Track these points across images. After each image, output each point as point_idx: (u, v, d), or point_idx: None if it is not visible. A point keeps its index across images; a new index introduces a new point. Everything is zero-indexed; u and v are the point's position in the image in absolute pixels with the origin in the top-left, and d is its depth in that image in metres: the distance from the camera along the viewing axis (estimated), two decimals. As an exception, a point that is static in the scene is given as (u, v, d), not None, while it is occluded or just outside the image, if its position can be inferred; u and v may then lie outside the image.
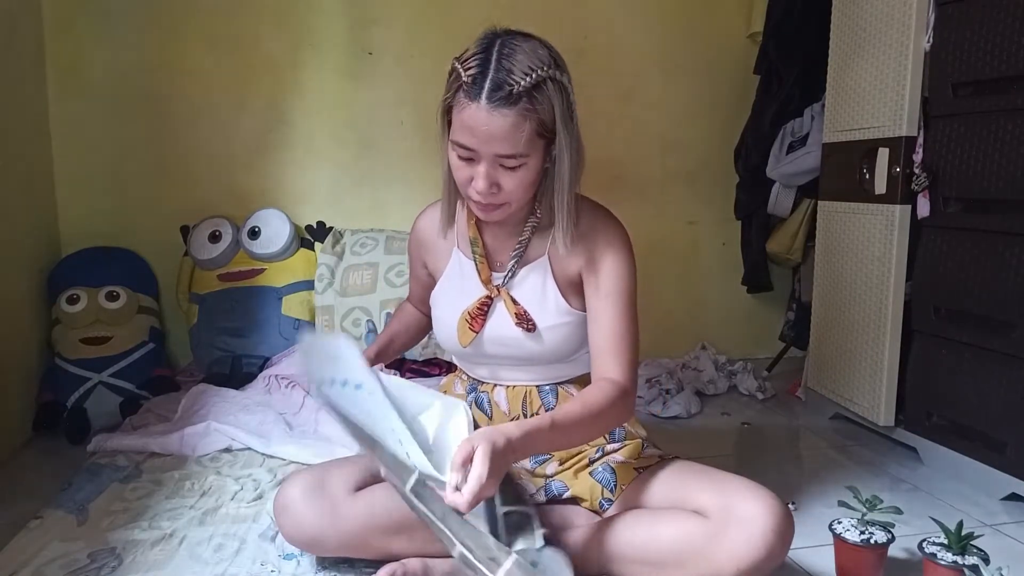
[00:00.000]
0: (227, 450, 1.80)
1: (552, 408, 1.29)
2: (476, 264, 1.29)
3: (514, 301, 1.26)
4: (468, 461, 0.96)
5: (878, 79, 1.88)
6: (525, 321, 1.24)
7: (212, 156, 2.43)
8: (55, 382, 1.99)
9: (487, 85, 1.07)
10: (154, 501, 1.54)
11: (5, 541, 1.36)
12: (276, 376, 2.14)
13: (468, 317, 1.27)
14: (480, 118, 1.07)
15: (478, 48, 1.11)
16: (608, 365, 1.20)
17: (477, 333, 1.27)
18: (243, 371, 2.22)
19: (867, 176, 1.92)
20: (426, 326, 1.49)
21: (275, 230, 2.35)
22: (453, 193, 1.24)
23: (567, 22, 2.57)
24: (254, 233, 2.34)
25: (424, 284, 1.42)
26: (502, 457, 0.98)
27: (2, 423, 1.81)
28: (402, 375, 2.22)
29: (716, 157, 2.73)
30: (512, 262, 1.27)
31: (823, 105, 2.15)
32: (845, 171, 2.00)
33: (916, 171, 1.78)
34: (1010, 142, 1.58)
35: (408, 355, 2.29)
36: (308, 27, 2.43)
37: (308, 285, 2.37)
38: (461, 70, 1.10)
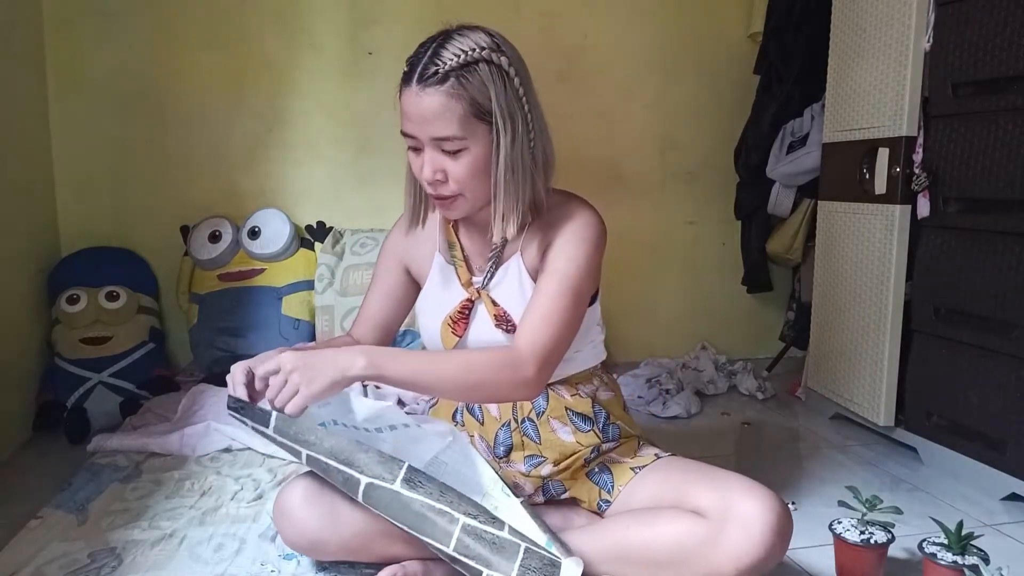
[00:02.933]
0: (227, 450, 1.80)
1: (543, 411, 1.28)
2: (455, 268, 1.28)
3: (494, 303, 1.25)
4: None
5: (878, 79, 1.87)
6: (505, 322, 1.23)
7: (212, 156, 2.43)
8: (55, 382, 1.99)
9: (418, 69, 1.10)
10: (154, 501, 1.54)
11: (5, 541, 1.36)
12: (276, 376, 2.14)
13: (450, 322, 1.26)
14: (411, 101, 1.10)
15: (425, 41, 1.14)
16: (519, 338, 1.14)
17: (460, 337, 1.26)
18: (243, 371, 2.22)
19: (867, 176, 1.92)
20: None
21: (275, 230, 2.35)
22: (415, 187, 1.24)
23: (567, 22, 2.57)
24: (254, 233, 2.34)
25: (392, 295, 1.36)
26: (315, 355, 1.03)
27: (2, 423, 1.81)
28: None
29: (716, 157, 2.73)
30: (490, 263, 1.26)
31: (823, 105, 2.15)
32: (845, 171, 2.00)
33: (916, 171, 1.78)
34: (1010, 142, 1.58)
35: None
36: (308, 27, 2.43)
37: (308, 285, 2.37)
38: (405, 63, 1.13)
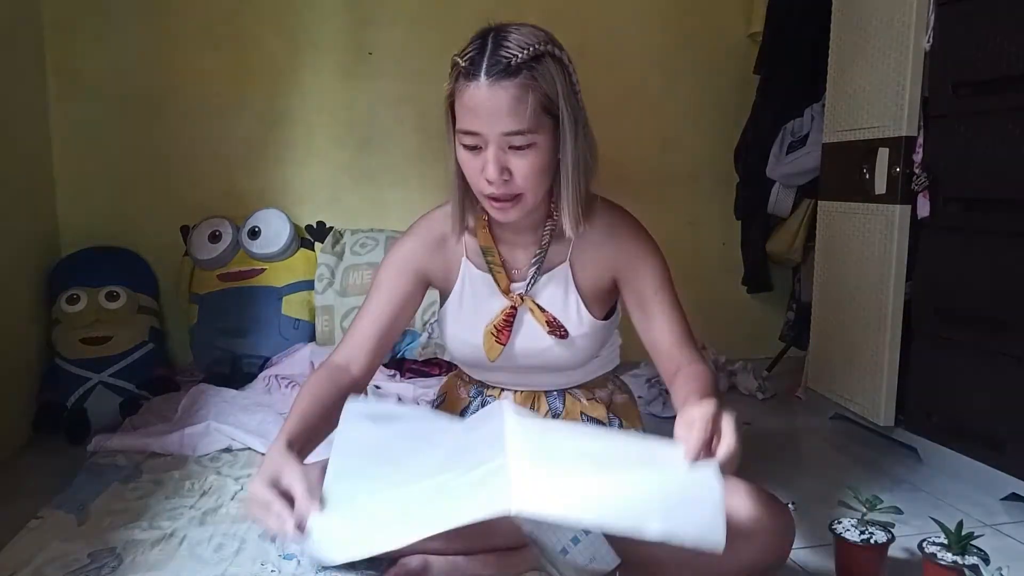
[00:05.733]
0: (227, 450, 1.80)
1: (560, 413, 1.28)
2: (493, 274, 1.23)
3: (541, 309, 1.21)
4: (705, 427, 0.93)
5: (878, 79, 1.87)
6: (557, 329, 1.20)
7: (212, 156, 2.43)
8: (55, 382, 1.99)
9: (485, 62, 1.05)
10: (154, 501, 1.54)
11: (5, 541, 1.36)
12: (276, 376, 2.14)
13: (494, 330, 1.21)
14: (482, 95, 1.05)
15: (475, 37, 1.11)
16: (687, 355, 1.18)
17: (504, 346, 1.22)
18: (243, 371, 2.22)
19: (867, 176, 1.92)
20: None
21: (275, 230, 2.35)
22: (463, 192, 1.17)
23: (567, 22, 2.54)
24: (254, 233, 2.34)
25: (403, 308, 1.25)
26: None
27: (2, 423, 1.81)
28: (402, 376, 2.22)
29: (716, 157, 2.73)
30: (533, 269, 1.21)
31: (823, 105, 2.14)
32: (845, 171, 2.00)
33: (916, 171, 1.78)
34: (1010, 142, 1.58)
35: (408, 355, 2.29)
36: (308, 27, 2.43)
37: (308, 285, 2.37)
38: (459, 59, 1.09)
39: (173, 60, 2.37)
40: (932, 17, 1.75)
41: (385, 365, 2.25)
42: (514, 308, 1.22)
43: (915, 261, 1.83)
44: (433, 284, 1.30)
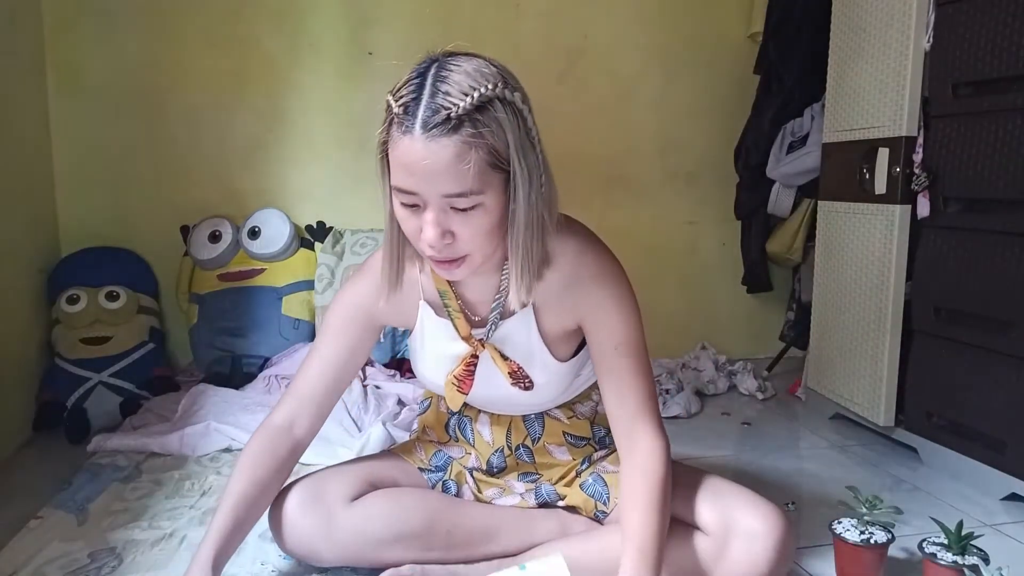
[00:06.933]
0: (227, 450, 1.80)
1: (539, 437, 1.25)
2: (452, 319, 1.14)
3: (503, 356, 1.14)
4: None
5: (878, 79, 1.87)
6: (521, 380, 1.14)
7: (212, 156, 2.43)
8: (55, 382, 1.99)
9: (420, 113, 0.90)
10: (154, 501, 1.54)
11: (5, 541, 1.36)
12: (276, 376, 2.14)
13: (455, 380, 1.15)
14: (416, 152, 0.90)
15: (412, 74, 0.94)
16: (641, 427, 1.10)
17: (466, 395, 1.16)
18: (243, 371, 2.22)
19: (867, 176, 1.92)
20: (293, 465, 1.18)
21: (275, 230, 2.35)
22: (399, 243, 1.06)
23: (567, 22, 2.57)
24: (254, 233, 2.34)
25: (349, 352, 1.18)
26: None
27: (2, 423, 1.81)
28: (402, 375, 2.22)
29: (716, 157, 2.73)
30: (495, 314, 1.12)
31: (823, 105, 2.15)
32: (845, 171, 2.00)
33: (916, 171, 1.78)
34: (1010, 142, 1.58)
35: (407, 355, 2.28)
36: (308, 27, 2.44)
37: (308, 285, 2.37)
38: (393, 101, 0.93)
39: (173, 60, 2.37)
40: (932, 17, 1.75)
41: (385, 365, 2.25)
42: (475, 356, 1.14)
43: (915, 261, 1.83)
44: (390, 324, 1.22)
